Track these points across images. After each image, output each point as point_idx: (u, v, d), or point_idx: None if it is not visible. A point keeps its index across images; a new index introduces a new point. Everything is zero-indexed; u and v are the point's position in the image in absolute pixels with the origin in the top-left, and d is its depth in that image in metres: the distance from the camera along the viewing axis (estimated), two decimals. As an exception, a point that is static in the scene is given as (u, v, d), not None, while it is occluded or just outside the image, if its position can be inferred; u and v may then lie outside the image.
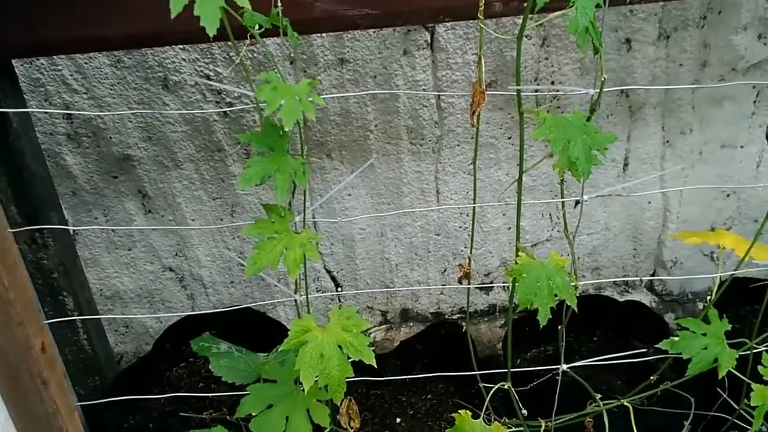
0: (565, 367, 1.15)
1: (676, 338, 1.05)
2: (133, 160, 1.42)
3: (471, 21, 1.28)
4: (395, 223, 1.55)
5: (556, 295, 0.94)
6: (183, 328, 1.45)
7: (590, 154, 0.86)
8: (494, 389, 1.10)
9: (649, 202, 1.62)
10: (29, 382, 1.07)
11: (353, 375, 0.89)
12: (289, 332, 0.90)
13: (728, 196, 1.62)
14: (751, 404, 1.03)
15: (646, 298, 1.71)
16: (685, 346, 1.04)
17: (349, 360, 0.90)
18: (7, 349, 1.04)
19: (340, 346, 0.90)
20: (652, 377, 1.19)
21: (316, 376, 0.88)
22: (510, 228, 1.60)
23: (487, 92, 0.96)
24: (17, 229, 1.11)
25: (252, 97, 0.88)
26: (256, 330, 1.45)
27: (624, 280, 1.73)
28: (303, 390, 0.88)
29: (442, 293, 1.67)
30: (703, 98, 1.49)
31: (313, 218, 1.52)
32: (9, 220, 1.08)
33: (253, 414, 0.96)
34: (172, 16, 0.73)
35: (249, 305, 1.54)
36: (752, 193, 1.63)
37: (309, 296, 1.06)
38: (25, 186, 1.12)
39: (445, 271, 1.63)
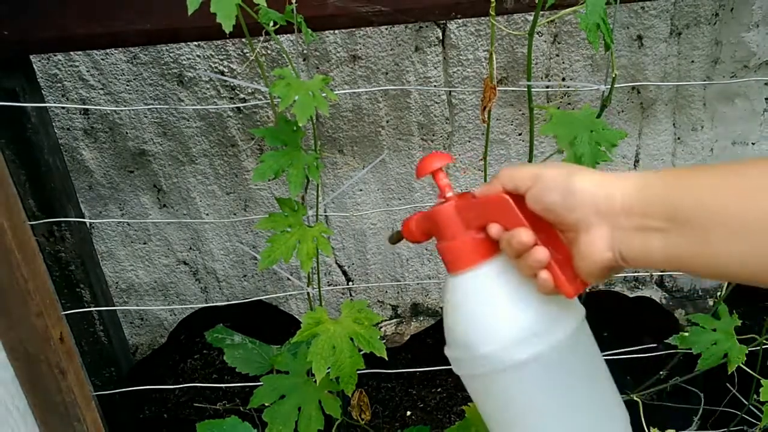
0: (574, 361, 1.15)
1: (686, 333, 1.06)
2: (149, 155, 1.44)
3: (482, 18, 1.28)
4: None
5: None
6: (197, 320, 1.47)
7: (597, 150, 0.86)
8: (504, 383, 1.11)
9: (660, 199, 1.62)
10: (48, 372, 1.09)
11: (364, 367, 0.90)
12: (301, 325, 0.91)
13: (740, 192, 1.62)
14: (761, 399, 1.04)
15: (656, 294, 1.72)
16: (695, 342, 1.05)
17: (361, 353, 0.91)
18: (27, 339, 1.05)
19: (351, 339, 0.91)
20: (661, 372, 1.19)
21: (328, 368, 0.89)
22: (520, 224, 1.60)
23: (498, 88, 0.97)
24: (35, 222, 1.13)
25: (266, 92, 0.89)
26: (268, 323, 1.46)
27: (634, 276, 1.73)
28: (315, 381, 0.90)
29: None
30: (715, 95, 1.48)
31: (325, 213, 1.53)
32: (27, 213, 1.10)
33: (266, 404, 0.97)
34: (189, 13, 0.74)
35: (261, 298, 1.56)
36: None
37: (321, 290, 1.07)
38: (43, 180, 1.15)
39: (455, 266, 1.64)
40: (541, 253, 0.54)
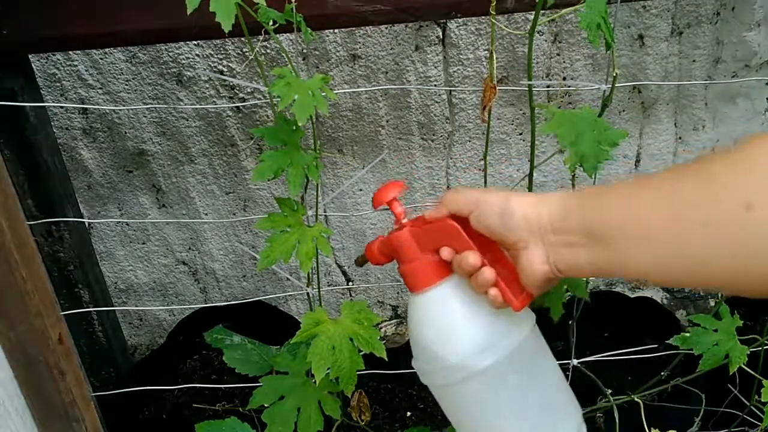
0: (576, 362, 1.15)
1: (687, 334, 1.05)
2: (148, 154, 1.43)
3: (483, 17, 1.28)
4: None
5: (567, 290, 0.95)
6: (196, 321, 1.47)
7: (599, 149, 0.86)
8: (504, 383, 1.10)
9: (661, 199, 1.62)
10: (46, 373, 1.08)
11: (364, 368, 0.90)
12: (300, 325, 0.91)
13: (741, 192, 1.61)
14: (762, 400, 1.03)
15: (657, 295, 1.71)
16: (697, 342, 1.04)
17: (361, 353, 0.91)
18: (25, 339, 1.05)
19: (351, 339, 0.90)
20: (662, 373, 1.19)
21: (328, 369, 0.88)
22: (521, 224, 1.60)
23: (499, 88, 0.97)
24: (34, 222, 1.13)
25: (265, 92, 0.89)
26: (267, 323, 1.46)
27: (635, 277, 1.72)
28: (314, 382, 0.89)
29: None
30: (716, 95, 1.48)
31: (325, 213, 1.53)
32: (26, 213, 1.10)
33: (265, 405, 0.97)
34: (188, 12, 0.74)
35: (261, 298, 1.55)
36: (765, 190, 1.62)
37: (320, 290, 1.07)
38: (42, 180, 1.14)
39: (455, 266, 1.63)
40: (488, 273, 0.60)
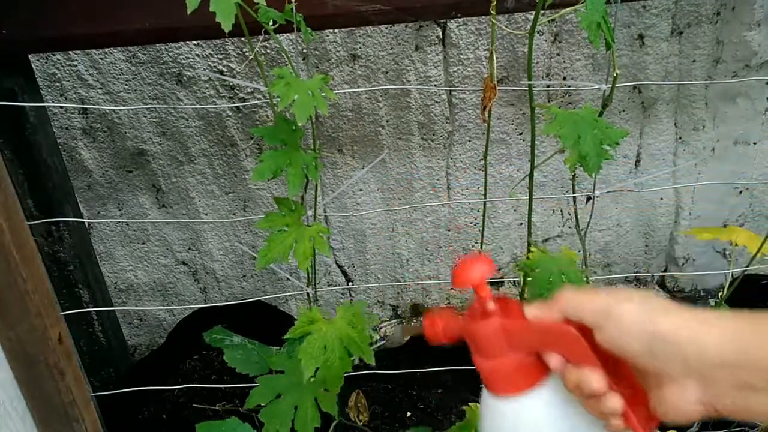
0: (575, 362, 1.14)
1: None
2: (148, 154, 1.43)
3: (483, 17, 1.28)
4: (406, 219, 1.56)
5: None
6: (196, 321, 1.47)
7: (601, 149, 0.86)
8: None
9: (661, 199, 1.62)
10: (46, 373, 1.08)
11: (351, 370, 0.90)
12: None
13: (741, 192, 1.61)
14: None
15: (658, 295, 1.71)
16: (696, 342, 1.04)
17: (352, 358, 0.91)
18: (25, 339, 1.05)
19: (343, 341, 0.90)
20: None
21: (317, 367, 0.88)
22: (521, 224, 1.60)
23: (499, 88, 0.97)
24: (34, 222, 1.13)
25: (265, 92, 0.89)
26: (267, 323, 1.46)
27: (635, 277, 1.72)
28: (308, 380, 0.89)
29: (452, 288, 1.67)
30: (716, 94, 1.48)
31: (325, 213, 1.53)
32: (26, 213, 1.10)
33: (263, 404, 0.97)
34: (188, 12, 0.74)
35: (261, 298, 1.55)
36: (765, 190, 1.62)
37: (320, 290, 1.06)
38: (42, 180, 1.14)
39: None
40: (616, 402, 0.49)
